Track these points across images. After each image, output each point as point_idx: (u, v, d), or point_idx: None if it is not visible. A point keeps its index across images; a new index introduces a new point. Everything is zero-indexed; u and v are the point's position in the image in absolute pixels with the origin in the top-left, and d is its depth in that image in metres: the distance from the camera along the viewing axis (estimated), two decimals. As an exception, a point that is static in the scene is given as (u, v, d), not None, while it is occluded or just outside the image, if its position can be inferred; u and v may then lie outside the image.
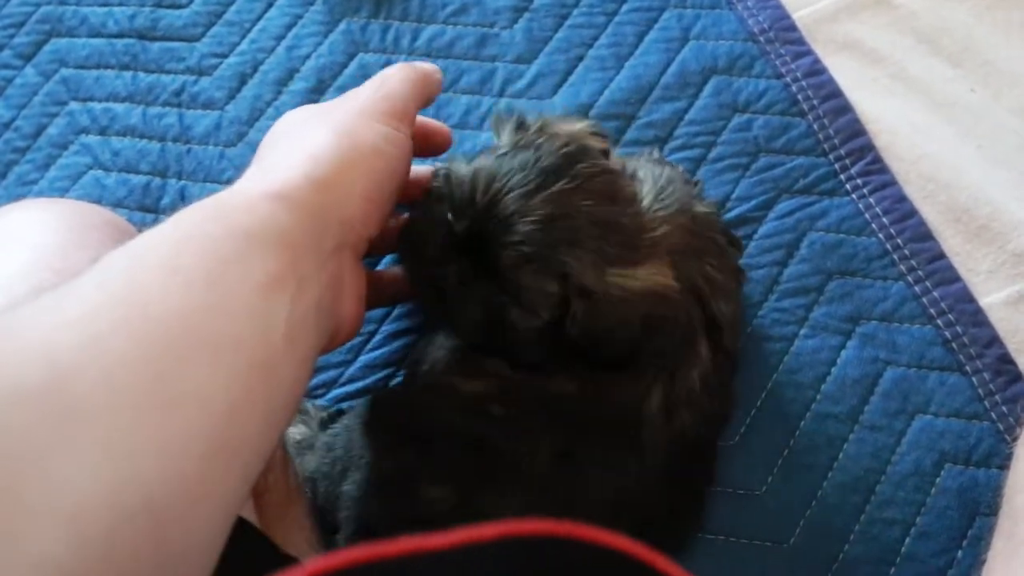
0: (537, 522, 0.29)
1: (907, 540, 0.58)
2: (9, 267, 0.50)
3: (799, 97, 0.69)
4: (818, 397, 0.61)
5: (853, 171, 0.66)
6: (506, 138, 0.53)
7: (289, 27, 0.74)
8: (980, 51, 0.70)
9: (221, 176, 0.70)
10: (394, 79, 0.53)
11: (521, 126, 0.53)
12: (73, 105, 0.74)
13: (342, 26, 0.74)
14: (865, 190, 0.66)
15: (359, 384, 0.63)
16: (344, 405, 0.62)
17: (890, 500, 0.59)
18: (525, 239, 0.48)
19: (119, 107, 0.73)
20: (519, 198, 0.48)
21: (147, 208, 0.70)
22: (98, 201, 0.69)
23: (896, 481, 0.59)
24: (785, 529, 0.58)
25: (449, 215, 0.50)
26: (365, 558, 0.27)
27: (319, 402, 0.62)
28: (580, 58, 0.71)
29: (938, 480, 0.59)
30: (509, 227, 0.48)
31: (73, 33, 0.77)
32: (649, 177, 0.53)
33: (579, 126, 0.54)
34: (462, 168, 0.51)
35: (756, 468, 0.60)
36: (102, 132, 0.73)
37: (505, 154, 0.50)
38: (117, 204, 0.70)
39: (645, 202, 0.52)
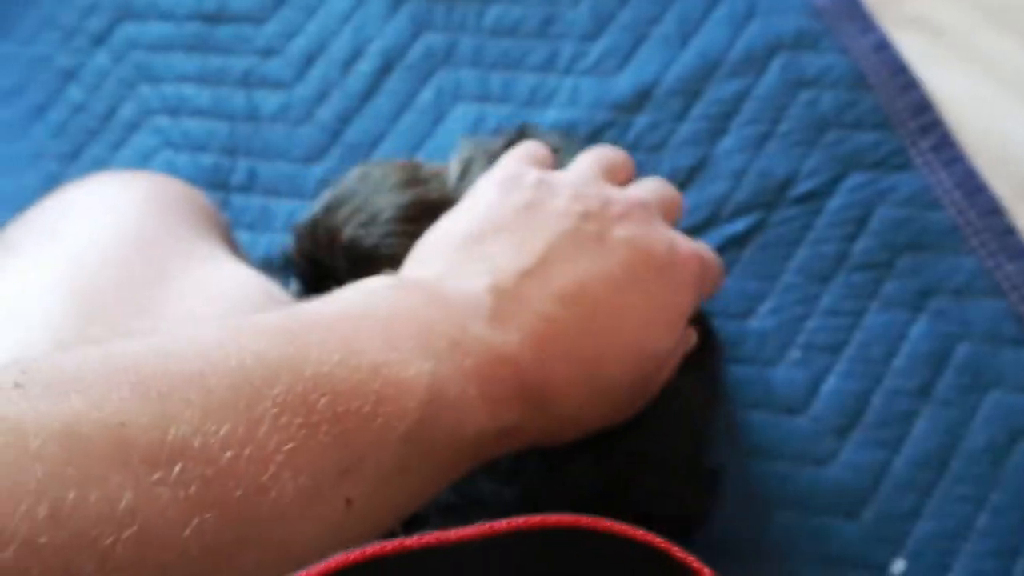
0: (552, 515, 0.29)
1: (980, 516, 0.57)
2: (88, 238, 0.51)
3: (866, 72, 0.68)
4: (888, 372, 0.61)
5: (923, 146, 0.66)
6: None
7: (354, 8, 0.75)
8: (1049, 26, 0.70)
9: (289, 154, 0.71)
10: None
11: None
12: (144, 87, 0.75)
13: (406, 7, 0.74)
14: (935, 165, 0.65)
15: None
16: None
17: (963, 476, 0.58)
18: None
19: (188, 88, 0.75)
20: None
21: (217, 185, 0.71)
22: (170, 180, 0.70)
23: (969, 457, 0.59)
24: (856, 504, 0.58)
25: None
26: (386, 552, 0.27)
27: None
28: (646, 36, 0.71)
29: (1012, 456, 0.59)
30: None
31: (143, 17, 0.78)
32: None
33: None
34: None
35: (826, 441, 0.60)
36: (172, 113, 0.74)
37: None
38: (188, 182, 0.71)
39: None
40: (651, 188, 0.50)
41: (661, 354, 0.46)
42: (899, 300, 0.62)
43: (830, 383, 0.61)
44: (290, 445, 0.32)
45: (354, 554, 0.27)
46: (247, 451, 0.31)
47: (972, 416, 0.59)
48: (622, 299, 0.43)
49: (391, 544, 0.27)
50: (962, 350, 0.61)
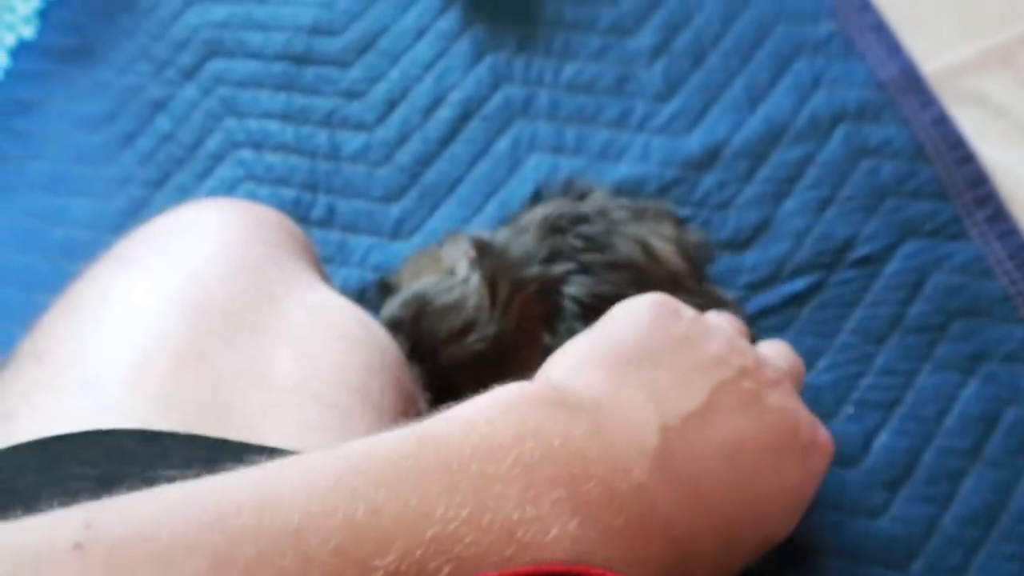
0: (547, 564, 0.28)
1: (1025, 575, 0.60)
2: (198, 256, 0.54)
3: (925, 144, 0.72)
4: (939, 431, 0.63)
5: (978, 217, 0.69)
6: (461, 270, 0.57)
7: (437, 58, 0.79)
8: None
9: (368, 193, 0.75)
10: None
11: (482, 250, 0.56)
12: (230, 121, 0.79)
13: (487, 60, 0.78)
14: (989, 236, 0.68)
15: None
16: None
17: (1010, 535, 0.60)
18: None
19: (273, 125, 0.78)
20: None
21: (297, 219, 0.73)
22: (252, 211, 0.74)
23: (1016, 517, 0.61)
24: (905, 556, 0.60)
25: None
26: None
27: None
28: (716, 99, 0.75)
29: (1057, 519, 0.61)
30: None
31: (232, 55, 0.82)
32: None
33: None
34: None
35: (877, 494, 0.62)
36: (256, 147, 0.78)
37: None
38: (277, 213, 0.74)
39: None
40: (789, 358, 0.49)
41: (780, 535, 0.43)
42: (951, 363, 0.65)
43: (882, 439, 0.63)
44: None
45: None
46: None
47: (1020, 477, 0.61)
48: (767, 468, 0.41)
49: None
50: (1011, 414, 0.63)
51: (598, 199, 0.59)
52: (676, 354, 0.41)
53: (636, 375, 0.39)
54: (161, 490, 0.28)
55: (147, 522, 0.26)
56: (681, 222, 0.62)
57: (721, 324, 0.46)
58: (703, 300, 0.55)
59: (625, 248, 0.55)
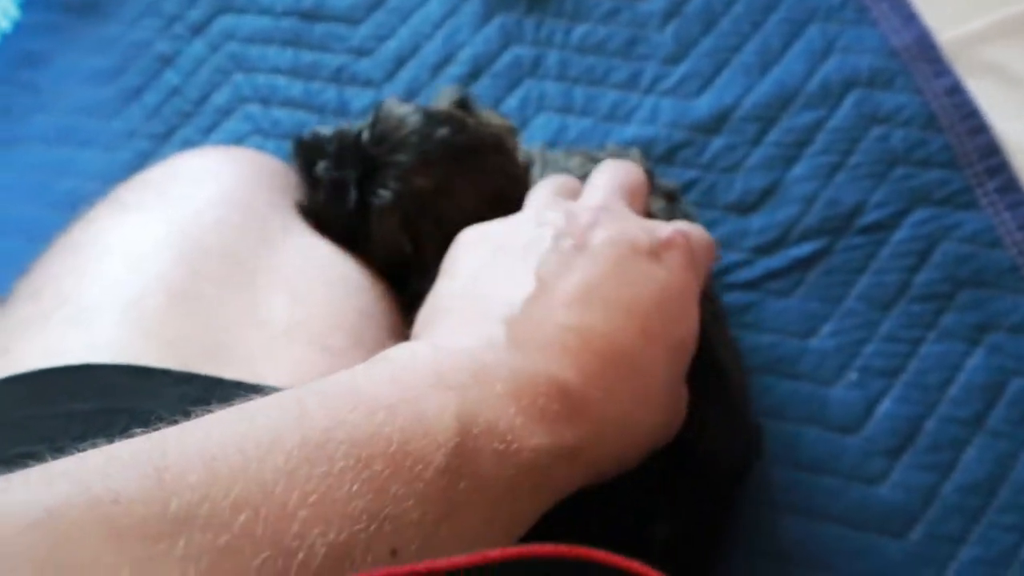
0: (547, 545, 0.28)
1: (1024, 546, 0.59)
2: (196, 199, 0.54)
3: (938, 114, 0.71)
4: (942, 400, 0.63)
5: (988, 187, 0.68)
6: (442, 104, 0.58)
7: (447, 16, 0.78)
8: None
9: (375, 150, 0.74)
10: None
11: (462, 103, 0.58)
12: (238, 76, 0.79)
13: (497, 19, 0.77)
14: (1000, 206, 0.67)
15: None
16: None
17: (1010, 505, 0.59)
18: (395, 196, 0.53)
19: (281, 80, 0.78)
20: (415, 161, 0.53)
21: (303, 174, 0.74)
22: (258, 165, 0.73)
23: (1017, 487, 0.60)
24: (904, 524, 0.59)
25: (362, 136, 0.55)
26: None
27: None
28: (726, 63, 0.74)
29: (1060, 491, 0.60)
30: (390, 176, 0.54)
31: (242, 11, 0.81)
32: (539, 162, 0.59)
33: (501, 121, 0.59)
34: (395, 108, 0.55)
35: (877, 461, 0.61)
36: (264, 102, 0.77)
37: (431, 117, 0.54)
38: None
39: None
40: (607, 184, 0.50)
41: (686, 338, 0.45)
42: (956, 332, 0.64)
43: (885, 406, 0.63)
44: (312, 498, 0.29)
45: None
46: (263, 511, 0.29)
47: (1022, 448, 0.61)
48: (629, 293, 0.43)
49: (379, 571, 0.26)
50: (1015, 384, 0.63)
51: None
52: (496, 263, 0.45)
53: (471, 302, 0.43)
54: (161, 433, 0.31)
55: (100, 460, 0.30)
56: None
57: (526, 214, 0.48)
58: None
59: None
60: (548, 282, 0.42)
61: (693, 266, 0.46)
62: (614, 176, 0.51)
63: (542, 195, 0.50)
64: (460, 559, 0.27)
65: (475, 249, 0.47)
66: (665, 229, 0.46)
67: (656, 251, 0.45)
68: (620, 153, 0.63)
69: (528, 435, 0.36)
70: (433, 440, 0.33)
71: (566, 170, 0.57)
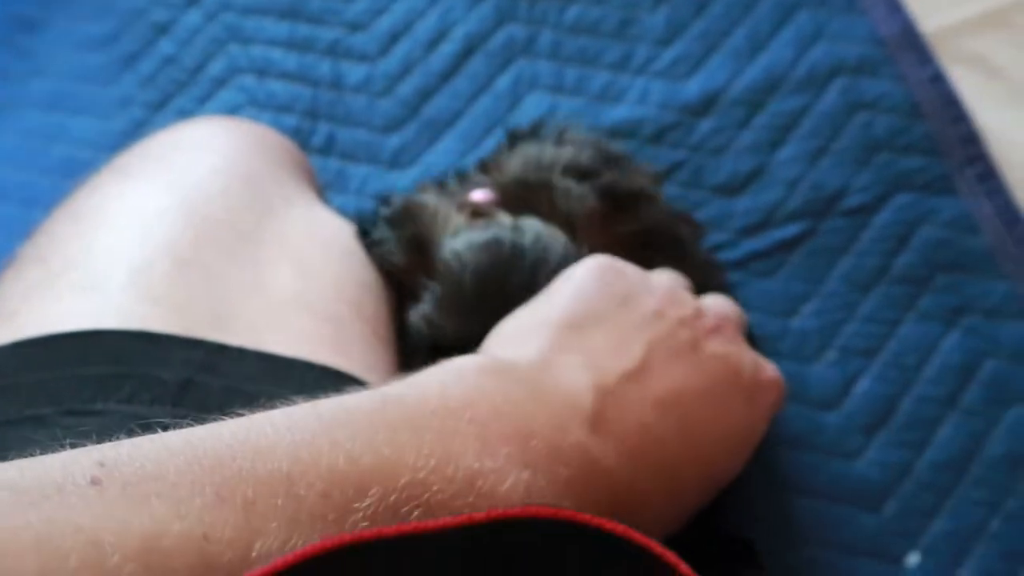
0: (532, 507, 0.29)
1: (994, 520, 0.61)
2: (200, 168, 0.55)
3: (920, 102, 0.72)
4: (918, 379, 0.65)
5: (968, 174, 0.70)
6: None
7: (442, -7, 0.79)
8: (1097, 74, 0.74)
9: (368, 123, 0.75)
10: None
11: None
12: (233, 47, 0.79)
13: (491, -2, 0.79)
14: (978, 192, 0.69)
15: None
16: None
17: (981, 481, 0.62)
18: None
19: (277, 52, 0.79)
20: None
21: (297, 145, 0.74)
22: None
23: (988, 464, 0.62)
24: (878, 498, 0.62)
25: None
26: (364, 538, 0.27)
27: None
28: (716, 46, 0.75)
29: (1029, 468, 0.62)
30: None
31: (238, -17, 0.82)
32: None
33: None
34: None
35: (854, 437, 0.63)
36: (259, 74, 0.78)
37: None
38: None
39: None
40: (734, 309, 0.50)
41: (730, 474, 0.46)
42: (934, 314, 0.66)
43: (863, 384, 0.65)
44: None
45: (332, 540, 0.26)
46: None
47: (994, 427, 0.63)
48: (709, 413, 0.43)
49: (368, 532, 0.27)
50: (989, 366, 0.65)
51: (577, 141, 0.59)
52: (616, 314, 0.43)
53: (575, 339, 0.42)
54: (161, 436, 0.30)
55: (153, 462, 0.28)
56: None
57: (662, 279, 0.48)
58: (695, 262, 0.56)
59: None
60: (651, 369, 0.42)
61: (771, 415, 0.48)
62: (734, 306, 0.51)
63: (669, 280, 0.49)
64: (448, 520, 0.28)
65: (607, 285, 0.45)
66: (769, 371, 0.47)
67: (753, 387, 0.46)
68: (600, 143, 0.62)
69: None
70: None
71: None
